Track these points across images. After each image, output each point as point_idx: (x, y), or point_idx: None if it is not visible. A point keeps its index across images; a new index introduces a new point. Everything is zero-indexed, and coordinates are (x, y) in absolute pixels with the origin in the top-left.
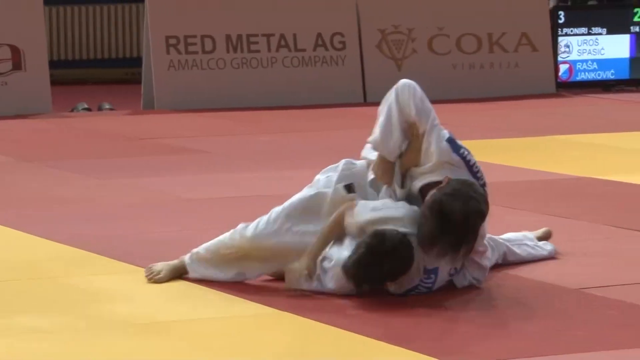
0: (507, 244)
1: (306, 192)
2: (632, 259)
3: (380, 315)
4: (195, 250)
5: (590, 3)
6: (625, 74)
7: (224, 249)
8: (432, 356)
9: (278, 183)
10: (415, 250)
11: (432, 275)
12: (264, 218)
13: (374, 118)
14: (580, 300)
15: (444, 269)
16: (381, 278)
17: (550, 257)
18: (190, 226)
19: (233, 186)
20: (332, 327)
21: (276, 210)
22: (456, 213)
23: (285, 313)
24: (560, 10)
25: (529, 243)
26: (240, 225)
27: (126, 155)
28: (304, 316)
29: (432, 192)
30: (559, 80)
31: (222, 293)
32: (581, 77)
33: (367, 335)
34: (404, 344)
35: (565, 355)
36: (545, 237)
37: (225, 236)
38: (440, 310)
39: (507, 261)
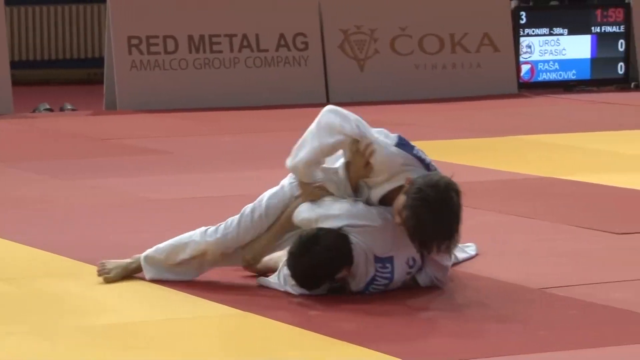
0: None
1: (270, 199)
2: (595, 259)
3: (343, 315)
4: (148, 252)
5: (551, 4)
6: (586, 75)
7: (181, 253)
8: (395, 356)
9: (240, 183)
10: (357, 243)
11: (388, 265)
12: (227, 222)
13: None
14: (542, 300)
15: (400, 257)
16: (318, 275)
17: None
18: (152, 227)
19: (195, 187)
20: (296, 328)
21: (237, 216)
22: (441, 198)
23: (249, 314)
24: (521, 10)
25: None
26: (200, 230)
27: (88, 156)
28: (267, 317)
29: (400, 196)
30: (520, 80)
31: (185, 294)
32: (543, 77)
33: (330, 336)
34: (367, 344)
35: (526, 355)
36: None
37: (181, 239)
38: (403, 310)
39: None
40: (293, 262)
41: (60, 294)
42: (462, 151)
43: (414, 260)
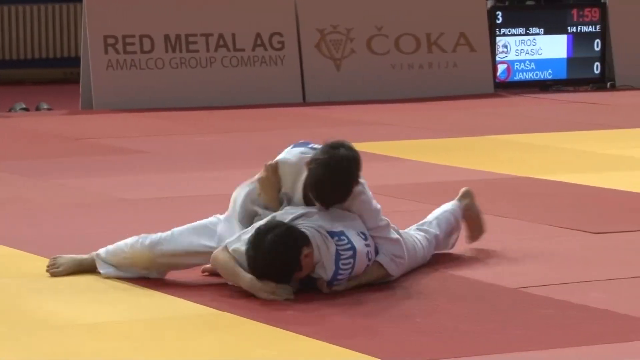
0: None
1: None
2: (572, 258)
3: (320, 315)
4: (99, 252)
5: (527, 3)
6: (562, 74)
7: (122, 255)
8: (369, 354)
9: (216, 183)
10: (306, 226)
11: (343, 237)
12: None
13: (313, 118)
14: (518, 299)
15: (349, 231)
16: (281, 263)
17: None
18: (127, 226)
19: (171, 186)
20: (272, 327)
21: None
22: (330, 156)
23: (224, 313)
24: (497, 10)
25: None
26: (142, 236)
27: (63, 155)
28: (243, 316)
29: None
30: (497, 80)
31: (161, 293)
32: (519, 77)
33: (305, 334)
34: (341, 342)
35: (503, 355)
36: (467, 196)
37: (126, 243)
38: (377, 309)
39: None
40: (253, 254)
41: (33, 292)
42: (438, 151)
43: (364, 234)
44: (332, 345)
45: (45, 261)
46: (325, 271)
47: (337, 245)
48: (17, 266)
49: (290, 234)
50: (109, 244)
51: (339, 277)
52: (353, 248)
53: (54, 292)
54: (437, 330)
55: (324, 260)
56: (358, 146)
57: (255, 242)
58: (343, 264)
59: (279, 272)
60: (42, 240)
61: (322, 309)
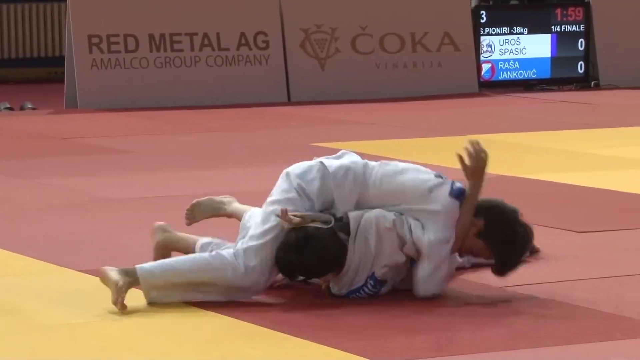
0: None
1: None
2: (555, 257)
3: (307, 314)
4: (147, 269)
5: (511, 3)
6: (546, 74)
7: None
8: (357, 354)
9: (201, 183)
10: (350, 255)
11: (378, 287)
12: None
13: (297, 117)
14: (503, 298)
15: (388, 284)
16: (301, 270)
17: None
18: (112, 226)
19: (156, 186)
20: (258, 326)
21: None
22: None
23: (210, 313)
24: (482, 10)
25: None
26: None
27: (49, 155)
28: (228, 315)
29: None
30: (481, 79)
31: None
32: (503, 76)
33: (292, 334)
34: (328, 342)
35: (486, 354)
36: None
37: (197, 265)
38: (366, 309)
39: None
40: (282, 255)
41: (17, 293)
42: (423, 150)
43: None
44: (318, 345)
45: (31, 261)
46: (337, 288)
47: (365, 287)
48: (3, 266)
49: (330, 256)
50: (94, 246)
51: (344, 297)
52: (375, 296)
53: (39, 291)
54: (422, 329)
55: (342, 282)
56: (343, 145)
57: (296, 243)
58: (355, 296)
59: (295, 274)
60: (27, 240)
61: (310, 308)
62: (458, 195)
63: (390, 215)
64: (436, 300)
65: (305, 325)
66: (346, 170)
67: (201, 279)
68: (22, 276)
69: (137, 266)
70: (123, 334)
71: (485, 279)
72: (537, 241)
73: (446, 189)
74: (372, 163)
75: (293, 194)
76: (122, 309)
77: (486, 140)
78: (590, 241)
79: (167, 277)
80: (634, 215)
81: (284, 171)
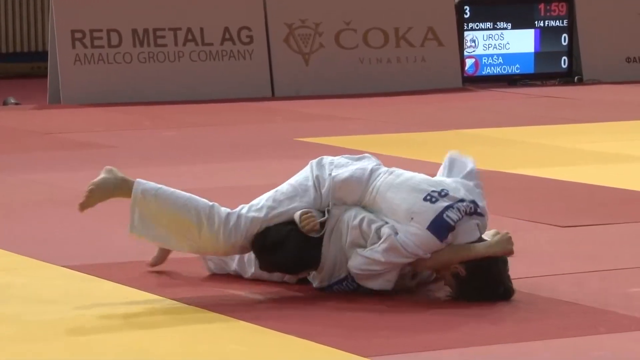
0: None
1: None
2: (540, 252)
3: (292, 311)
4: (149, 187)
5: None
6: (530, 69)
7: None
8: (343, 350)
9: (185, 178)
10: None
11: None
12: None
13: (281, 112)
14: None
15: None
16: (276, 268)
17: None
18: (96, 221)
19: None
20: (239, 321)
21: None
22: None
23: (193, 307)
24: (465, 5)
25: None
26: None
27: (31, 150)
28: (213, 311)
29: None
30: (465, 74)
31: (130, 288)
32: (487, 71)
33: (279, 330)
34: (313, 338)
35: (469, 348)
36: None
37: (196, 207)
38: (348, 305)
39: None
40: (257, 255)
41: (2, 288)
42: (406, 145)
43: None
44: (303, 340)
45: (14, 257)
46: (318, 281)
47: (346, 280)
48: None
49: (302, 259)
50: (78, 241)
51: (327, 290)
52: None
53: (26, 286)
54: (405, 325)
55: (322, 275)
56: (326, 140)
57: (268, 246)
58: (338, 288)
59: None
60: (10, 236)
61: (297, 304)
62: (437, 230)
63: (362, 214)
64: (417, 295)
65: (290, 320)
66: (347, 179)
67: (188, 220)
68: (6, 272)
69: (137, 181)
70: (108, 329)
71: None
72: (522, 236)
73: (427, 218)
74: (382, 170)
75: (310, 183)
76: (82, 209)
77: (470, 135)
78: (574, 236)
79: (159, 203)
80: (617, 210)
81: (316, 160)
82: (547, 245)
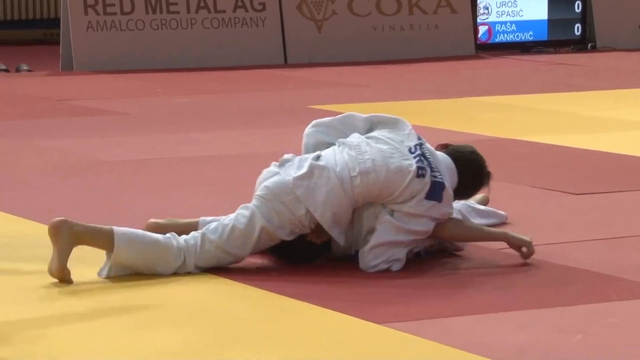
0: None
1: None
2: (552, 220)
3: (306, 278)
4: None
5: None
6: (543, 36)
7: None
8: (360, 318)
9: (197, 145)
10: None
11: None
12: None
13: (293, 80)
14: (499, 260)
15: None
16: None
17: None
18: (107, 188)
19: (151, 148)
20: (251, 287)
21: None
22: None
23: (212, 275)
24: None
25: None
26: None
27: (44, 116)
28: (228, 277)
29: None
30: (478, 42)
31: None
32: (500, 38)
33: (292, 296)
34: (331, 305)
35: (482, 315)
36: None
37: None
38: (361, 273)
39: None
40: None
41: (12, 255)
42: (419, 112)
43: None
44: (315, 306)
45: (26, 223)
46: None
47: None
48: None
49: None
50: (89, 208)
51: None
52: None
53: (38, 253)
54: (417, 292)
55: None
56: (339, 108)
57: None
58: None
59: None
60: (21, 202)
61: (308, 270)
62: (434, 195)
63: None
64: (428, 262)
65: (303, 286)
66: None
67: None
68: (17, 238)
69: (116, 233)
70: (116, 290)
71: (480, 242)
72: (533, 203)
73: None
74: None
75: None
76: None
77: (483, 103)
78: (586, 203)
79: (138, 254)
80: (630, 177)
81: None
82: (558, 212)
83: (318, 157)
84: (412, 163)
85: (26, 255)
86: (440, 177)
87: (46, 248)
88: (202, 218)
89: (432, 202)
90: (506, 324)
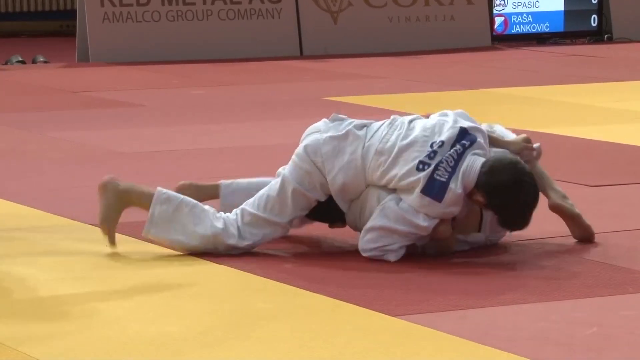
0: None
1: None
2: None
3: (321, 270)
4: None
5: None
6: (559, 27)
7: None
8: (369, 308)
9: (213, 137)
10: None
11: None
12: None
13: (309, 71)
14: (515, 252)
15: None
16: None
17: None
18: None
19: (167, 140)
20: (267, 279)
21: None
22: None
23: (226, 267)
24: None
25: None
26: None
27: (60, 108)
28: (243, 270)
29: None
30: (494, 33)
31: (158, 247)
32: (516, 30)
33: (306, 289)
34: (339, 296)
35: (497, 308)
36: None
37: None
38: (374, 266)
39: None
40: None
41: (26, 246)
42: (435, 104)
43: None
44: (330, 299)
45: (42, 215)
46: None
47: None
48: (14, 219)
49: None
50: None
51: None
52: None
53: (52, 244)
54: (432, 285)
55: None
56: (355, 99)
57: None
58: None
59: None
60: (38, 193)
61: (322, 263)
62: (431, 192)
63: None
64: (443, 258)
65: (318, 279)
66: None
67: (202, 230)
68: (33, 229)
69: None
70: (132, 287)
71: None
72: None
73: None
74: (370, 152)
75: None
76: (111, 244)
77: (499, 94)
78: (603, 195)
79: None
80: None
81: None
82: (575, 204)
83: (363, 126)
84: (419, 156)
85: (45, 246)
86: (446, 177)
87: (66, 240)
88: (222, 181)
89: (429, 199)
90: (521, 315)
